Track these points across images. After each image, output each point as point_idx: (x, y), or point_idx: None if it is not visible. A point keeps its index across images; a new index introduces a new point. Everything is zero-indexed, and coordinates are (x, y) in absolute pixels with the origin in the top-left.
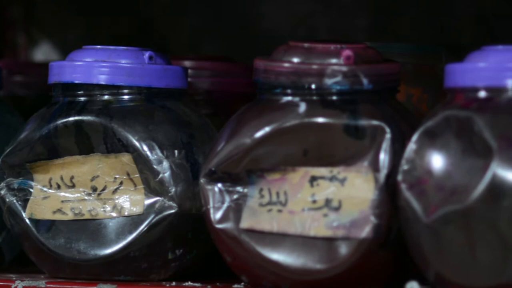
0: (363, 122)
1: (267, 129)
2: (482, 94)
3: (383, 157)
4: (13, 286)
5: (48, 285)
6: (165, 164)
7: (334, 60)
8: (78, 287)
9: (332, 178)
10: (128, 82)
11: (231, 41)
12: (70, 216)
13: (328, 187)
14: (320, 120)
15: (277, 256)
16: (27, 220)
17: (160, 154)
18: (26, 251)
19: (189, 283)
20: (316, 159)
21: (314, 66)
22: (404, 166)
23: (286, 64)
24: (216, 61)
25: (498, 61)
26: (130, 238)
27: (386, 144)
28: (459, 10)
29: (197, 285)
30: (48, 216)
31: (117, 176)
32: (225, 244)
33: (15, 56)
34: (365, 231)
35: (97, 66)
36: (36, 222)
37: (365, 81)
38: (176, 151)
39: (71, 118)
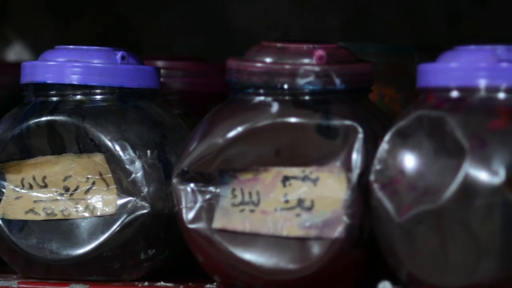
0: (336, 122)
1: (239, 129)
2: (454, 94)
3: (356, 157)
4: None
5: (20, 285)
6: (138, 164)
7: (306, 60)
8: (51, 287)
9: (304, 178)
10: (101, 82)
11: (204, 41)
12: (42, 216)
13: (301, 187)
14: (293, 120)
15: (249, 256)
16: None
17: (132, 154)
18: None
19: (162, 283)
20: (289, 159)
21: (287, 66)
22: (377, 166)
23: (259, 64)
24: (188, 61)
25: (470, 61)
26: (102, 238)
27: (358, 144)
28: (432, 10)
29: (170, 285)
30: (21, 216)
31: (89, 176)
32: (198, 244)
33: None
34: (338, 231)
35: (69, 66)
36: (8, 222)
37: (337, 81)
38: (148, 151)
39: (43, 118)
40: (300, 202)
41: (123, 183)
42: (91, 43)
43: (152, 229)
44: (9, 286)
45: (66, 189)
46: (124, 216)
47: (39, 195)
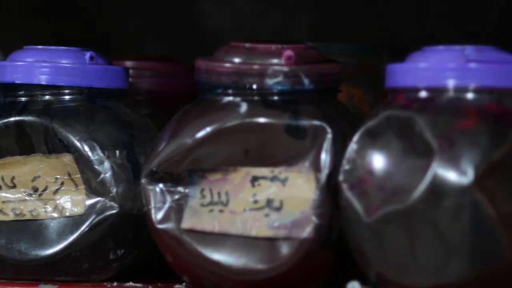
0: (304, 122)
1: (208, 129)
2: (423, 94)
3: (324, 157)
4: None
5: None
6: (106, 164)
7: (275, 60)
8: (19, 287)
9: (273, 178)
10: (69, 82)
11: (172, 41)
12: (11, 216)
13: (270, 187)
14: (261, 120)
15: (218, 256)
16: None
17: (101, 154)
18: None
19: (131, 283)
20: (258, 159)
21: (255, 66)
22: (345, 166)
23: (227, 64)
24: (157, 61)
25: (438, 61)
26: (71, 238)
27: (327, 144)
28: (401, 11)
29: (139, 285)
30: None
31: (58, 176)
32: (167, 244)
33: None
34: (307, 231)
35: (38, 66)
36: None
37: (306, 81)
38: (117, 151)
39: (12, 119)
40: (269, 202)
41: (92, 183)
42: (60, 43)
43: (121, 230)
44: None
45: (35, 190)
46: (93, 217)
47: (8, 195)
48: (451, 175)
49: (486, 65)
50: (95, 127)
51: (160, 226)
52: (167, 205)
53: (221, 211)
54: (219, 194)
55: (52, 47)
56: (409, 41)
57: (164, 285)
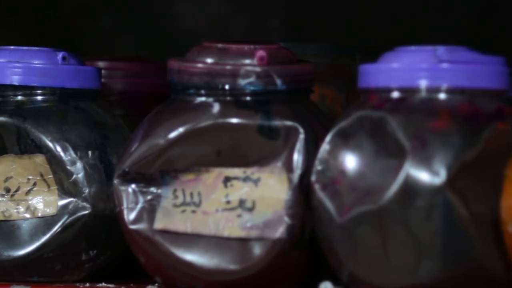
0: (277, 122)
1: (180, 129)
2: (395, 94)
3: (297, 157)
4: None
5: None
6: (79, 165)
7: (247, 61)
8: None
9: (245, 179)
10: (41, 83)
11: (145, 42)
12: None
13: (242, 188)
14: (234, 120)
15: (190, 256)
16: None
17: (73, 155)
18: None
19: (103, 284)
20: (230, 159)
21: (228, 67)
22: (318, 167)
23: (200, 65)
24: (129, 62)
25: (411, 62)
26: (43, 239)
27: (299, 145)
28: (373, 11)
29: (111, 286)
30: None
31: (30, 177)
32: (139, 245)
33: None
34: (279, 232)
35: (10, 67)
36: None
37: (278, 81)
38: (89, 152)
39: None
40: (241, 202)
41: (64, 184)
42: (32, 43)
43: (93, 230)
44: None
45: (7, 190)
46: (65, 217)
47: None
48: (423, 176)
49: (458, 66)
50: (67, 127)
51: (132, 227)
52: (139, 206)
53: (193, 211)
54: (191, 194)
55: (24, 48)
56: (382, 41)
57: (136, 286)
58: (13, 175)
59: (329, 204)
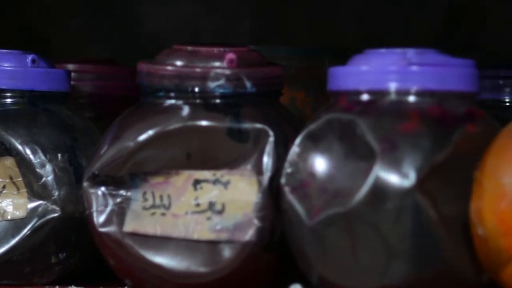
0: (246, 125)
1: (150, 132)
2: (365, 97)
3: (266, 160)
4: None
5: None
6: (48, 167)
7: (217, 63)
8: None
9: (215, 181)
10: (11, 86)
11: (115, 44)
12: None
13: (212, 190)
14: (203, 123)
15: (160, 259)
16: None
17: (43, 157)
18: None
19: (73, 286)
20: (200, 162)
21: (197, 69)
22: (287, 169)
23: (169, 67)
24: (99, 64)
25: (380, 64)
26: (13, 242)
27: (269, 147)
28: (343, 13)
29: None
30: None
31: None
32: (109, 247)
33: None
34: (249, 234)
35: None
36: None
37: (248, 84)
38: (59, 155)
39: None
40: (211, 205)
41: (34, 186)
42: (1, 46)
43: (62, 233)
44: None
45: None
46: (35, 220)
47: None
48: (392, 178)
49: (427, 68)
50: (37, 130)
51: (102, 230)
52: (109, 209)
53: (163, 214)
54: (161, 197)
55: None
56: (351, 44)
57: None
58: None
59: (298, 207)
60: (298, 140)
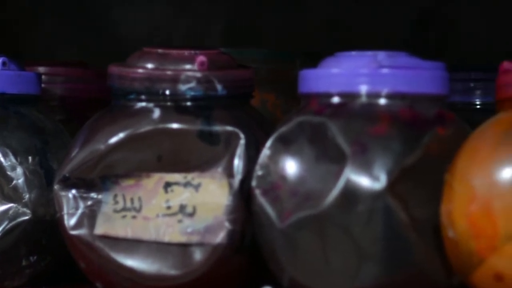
0: (217, 128)
1: (121, 135)
2: (336, 100)
3: (237, 162)
4: None
5: None
6: (19, 170)
7: (188, 66)
8: None
9: (186, 184)
10: None
11: (86, 47)
12: None
13: (183, 193)
14: (174, 126)
15: (131, 262)
16: None
17: (13, 160)
18: None
19: None
20: (171, 165)
21: (168, 72)
22: (258, 172)
23: (140, 70)
24: (70, 67)
25: (351, 67)
26: None
27: (240, 150)
28: (314, 16)
29: None
30: None
31: None
32: (80, 250)
33: None
34: (220, 237)
35: None
36: None
37: (219, 86)
38: (30, 158)
39: None
40: (182, 208)
41: (4, 189)
42: None
43: (33, 236)
44: None
45: None
46: (5, 223)
47: None
48: (363, 181)
49: (398, 71)
50: (7, 133)
51: (73, 232)
52: (80, 211)
53: (134, 217)
54: (132, 200)
55: None
56: (322, 47)
57: None
58: None
59: (269, 209)
60: (269, 143)
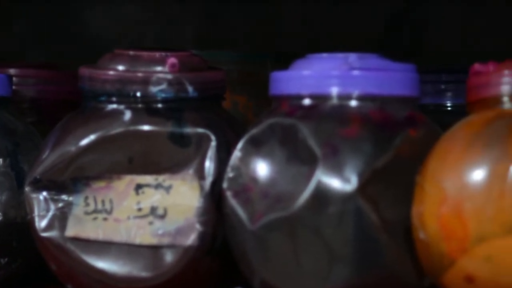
0: (188, 130)
1: (92, 137)
2: (307, 101)
3: (208, 164)
4: None
5: None
6: None
7: (159, 68)
8: None
9: (157, 186)
10: None
11: (57, 49)
12: None
13: (154, 195)
14: (145, 128)
15: (102, 264)
16: None
17: None
18: None
19: None
20: (142, 167)
21: (139, 74)
22: (229, 174)
23: (111, 72)
24: (41, 69)
25: (322, 69)
26: None
27: (211, 152)
28: (286, 18)
29: None
30: None
31: None
32: (51, 252)
33: None
34: (191, 239)
35: None
36: None
37: (190, 88)
38: (1, 160)
39: None
40: (153, 210)
41: None
42: None
43: (4, 238)
44: None
45: None
46: None
47: None
48: (334, 182)
49: (369, 73)
50: None
51: (43, 234)
52: (50, 213)
53: (105, 219)
54: (103, 202)
55: None
56: (294, 49)
57: None
58: None
59: (240, 211)
60: (240, 145)
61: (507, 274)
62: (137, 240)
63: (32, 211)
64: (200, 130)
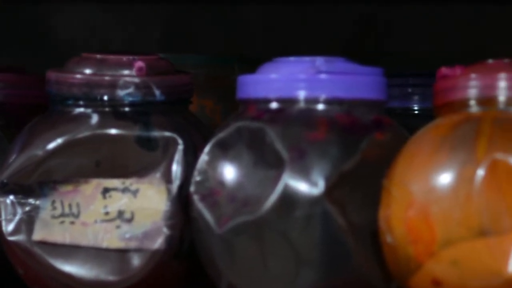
0: (155, 133)
1: (59, 140)
2: (274, 105)
3: (176, 168)
4: None
5: None
6: None
7: (126, 72)
8: None
9: (124, 190)
10: None
11: (24, 53)
12: None
13: (121, 199)
14: (112, 131)
15: (69, 268)
16: None
17: None
18: None
19: None
20: (109, 170)
21: (106, 78)
22: (197, 177)
23: (78, 76)
24: (8, 73)
25: (289, 73)
26: None
27: (178, 156)
28: (253, 22)
29: None
30: None
31: None
32: (17, 256)
33: None
34: (158, 242)
35: None
36: None
37: (157, 92)
38: None
39: None
40: (120, 213)
41: None
42: None
43: None
44: None
45: None
46: None
47: None
48: (301, 186)
49: (336, 76)
50: None
51: (10, 238)
52: (17, 217)
53: (72, 222)
54: (70, 205)
55: None
56: (261, 52)
57: None
58: None
59: (207, 215)
60: (207, 148)
61: (474, 278)
62: (104, 244)
63: None
64: (167, 133)
